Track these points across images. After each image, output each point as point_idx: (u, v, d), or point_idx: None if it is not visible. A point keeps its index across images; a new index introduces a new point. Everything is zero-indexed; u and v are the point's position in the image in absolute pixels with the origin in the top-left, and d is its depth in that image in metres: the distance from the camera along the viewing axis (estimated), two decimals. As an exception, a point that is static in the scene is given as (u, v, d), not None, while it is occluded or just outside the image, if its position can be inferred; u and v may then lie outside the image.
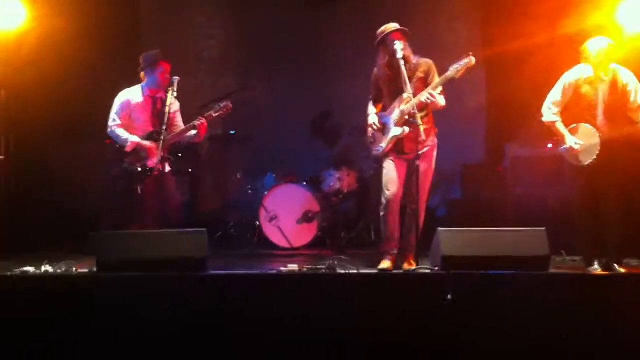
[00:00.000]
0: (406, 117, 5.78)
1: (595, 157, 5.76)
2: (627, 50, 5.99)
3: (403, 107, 5.81)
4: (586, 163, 5.82)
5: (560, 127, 5.94)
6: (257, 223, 7.58)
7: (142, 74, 6.36)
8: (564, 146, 5.92)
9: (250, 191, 7.99)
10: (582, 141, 5.83)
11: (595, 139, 5.77)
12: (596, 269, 5.79)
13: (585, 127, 5.86)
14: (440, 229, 5.38)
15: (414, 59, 5.89)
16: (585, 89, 5.84)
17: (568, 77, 5.93)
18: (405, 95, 5.74)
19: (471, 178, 8.28)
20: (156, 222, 6.20)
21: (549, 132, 6.09)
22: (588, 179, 5.84)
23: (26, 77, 7.40)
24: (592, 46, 5.78)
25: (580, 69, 5.89)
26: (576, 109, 5.91)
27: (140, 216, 6.25)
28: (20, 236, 7.07)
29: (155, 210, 6.25)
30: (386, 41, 5.87)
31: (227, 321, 4.97)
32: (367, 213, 7.78)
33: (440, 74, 5.84)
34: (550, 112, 5.97)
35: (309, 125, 8.26)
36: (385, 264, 5.91)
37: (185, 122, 6.42)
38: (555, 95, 5.97)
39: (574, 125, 5.91)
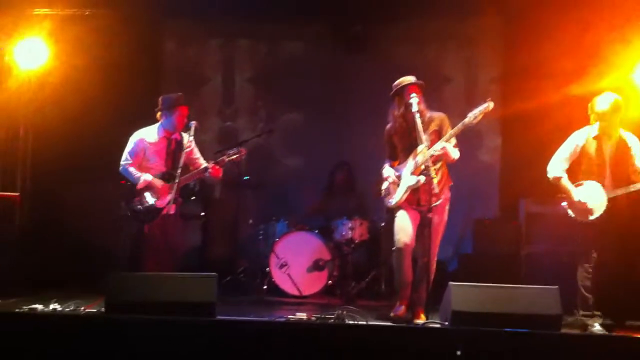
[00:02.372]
0: (421, 167, 5.79)
1: (601, 212, 5.79)
2: (623, 105, 5.99)
3: (417, 158, 5.82)
4: (591, 219, 5.83)
5: (566, 182, 5.96)
6: (267, 269, 7.54)
7: (159, 114, 6.42)
8: (568, 201, 5.94)
9: (261, 237, 7.97)
10: (589, 196, 5.85)
11: (602, 195, 5.81)
12: (598, 329, 5.75)
13: (591, 184, 5.89)
14: (451, 283, 5.33)
15: (427, 113, 5.94)
16: (592, 148, 5.90)
17: (575, 137, 5.99)
18: (420, 148, 5.77)
19: (483, 233, 8.20)
20: (159, 263, 6.20)
21: (556, 188, 6.09)
22: (593, 236, 5.83)
23: (48, 115, 7.54)
24: (597, 102, 5.85)
25: (588, 130, 5.96)
26: (583, 168, 5.96)
27: (144, 256, 6.26)
28: (33, 273, 7.09)
29: (158, 250, 6.26)
30: (402, 93, 5.91)
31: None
32: (377, 264, 7.73)
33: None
34: (556, 168, 6.01)
35: (325, 180, 8.31)
36: (400, 310, 5.91)
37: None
38: (561, 153, 6.02)
39: (580, 182, 5.95)
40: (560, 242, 7.04)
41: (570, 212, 5.97)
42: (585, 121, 6.07)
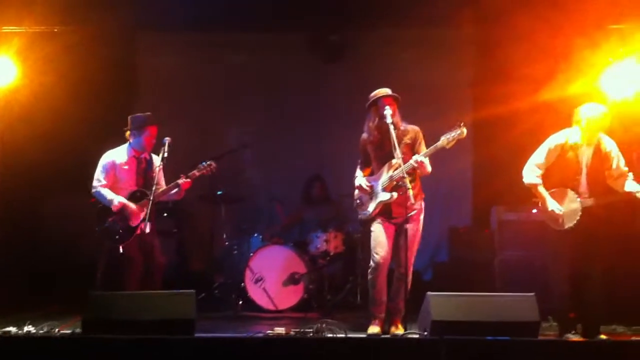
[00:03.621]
0: (395, 182, 5.82)
1: (575, 222, 5.77)
2: (610, 116, 6.02)
3: (392, 172, 5.85)
4: (565, 227, 5.82)
5: (542, 190, 5.91)
6: (242, 284, 7.50)
7: (127, 133, 6.38)
8: (542, 209, 5.92)
9: (235, 252, 7.93)
10: (563, 206, 5.83)
11: (576, 204, 5.79)
12: (574, 335, 5.77)
13: (566, 192, 5.86)
14: (429, 293, 5.34)
15: (402, 126, 5.97)
16: (570, 153, 5.84)
17: (554, 140, 5.91)
18: (394, 161, 5.79)
19: (458, 241, 8.29)
20: (138, 282, 6.14)
21: (530, 193, 6.05)
22: (568, 243, 5.82)
23: (18, 133, 7.42)
24: (585, 111, 5.78)
25: (567, 133, 5.89)
26: (559, 173, 5.92)
27: (123, 276, 6.18)
28: (7, 294, 6.99)
29: (137, 269, 6.19)
30: (377, 104, 5.94)
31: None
32: (353, 275, 7.72)
33: (427, 141, 5.90)
34: (532, 174, 5.94)
35: (300, 193, 8.29)
36: (374, 329, 5.90)
37: (170, 178, 6.41)
38: (538, 157, 5.94)
39: (554, 189, 5.91)
40: (532, 248, 7.13)
41: (546, 218, 5.96)
42: (555, 127, 6.08)
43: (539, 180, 5.94)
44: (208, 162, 6.44)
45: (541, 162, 5.93)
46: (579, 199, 5.79)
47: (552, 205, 5.85)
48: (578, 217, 5.77)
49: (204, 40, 8.93)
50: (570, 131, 5.88)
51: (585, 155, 5.84)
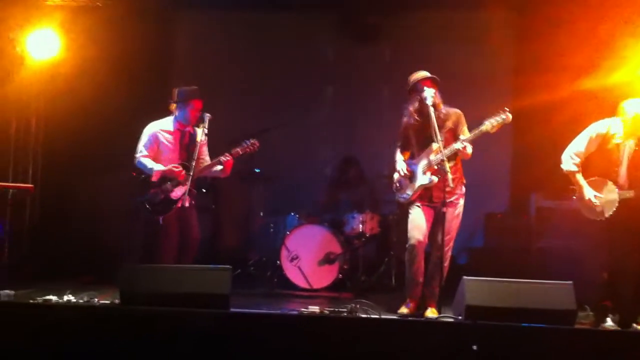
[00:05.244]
0: (435, 166, 5.79)
1: (611, 213, 5.70)
2: None
3: (432, 157, 5.82)
4: (601, 218, 5.75)
5: (580, 178, 5.85)
6: (278, 262, 7.56)
7: (173, 106, 6.40)
8: (579, 197, 5.86)
9: (272, 230, 7.98)
10: (601, 195, 5.76)
11: (614, 195, 5.71)
12: (610, 325, 5.67)
13: (604, 182, 5.78)
14: (465, 277, 5.31)
15: (443, 109, 5.91)
16: (611, 144, 5.76)
17: (595, 129, 5.82)
18: (435, 145, 5.74)
19: (494, 227, 8.22)
20: (173, 255, 6.20)
21: (569, 181, 5.98)
22: (605, 233, 5.76)
23: (60, 106, 7.53)
24: (631, 106, 5.69)
25: (610, 123, 5.79)
26: (598, 163, 5.84)
27: (159, 248, 6.24)
28: (44, 264, 7.11)
29: (173, 242, 6.24)
30: (417, 88, 5.90)
31: (247, 360, 4.93)
32: (388, 257, 7.74)
33: (469, 125, 5.85)
34: (571, 161, 5.87)
35: (333, 173, 8.29)
36: (405, 310, 5.90)
37: (212, 156, 6.45)
38: (578, 144, 5.87)
39: (593, 178, 5.84)
40: (571, 236, 7.04)
41: (581, 207, 5.89)
42: (597, 116, 5.98)
43: (576, 168, 5.87)
44: (252, 141, 6.42)
45: (581, 150, 5.86)
46: (617, 190, 5.71)
47: (588, 193, 5.79)
48: (614, 208, 5.69)
49: (241, 18, 8.91)
50: (613, 121, 5.79)
51: (627, 147, 5.74)
